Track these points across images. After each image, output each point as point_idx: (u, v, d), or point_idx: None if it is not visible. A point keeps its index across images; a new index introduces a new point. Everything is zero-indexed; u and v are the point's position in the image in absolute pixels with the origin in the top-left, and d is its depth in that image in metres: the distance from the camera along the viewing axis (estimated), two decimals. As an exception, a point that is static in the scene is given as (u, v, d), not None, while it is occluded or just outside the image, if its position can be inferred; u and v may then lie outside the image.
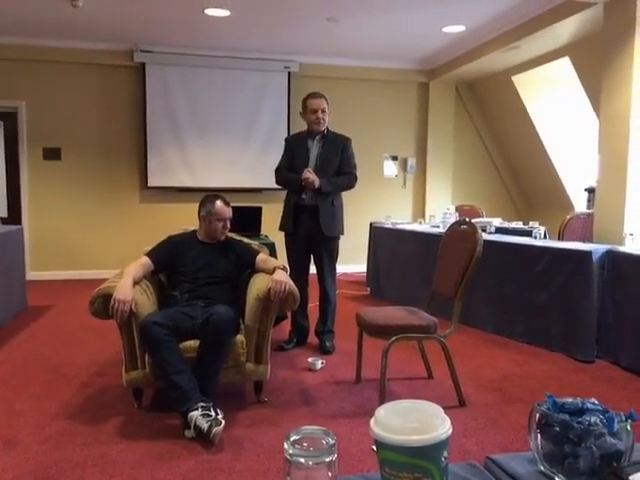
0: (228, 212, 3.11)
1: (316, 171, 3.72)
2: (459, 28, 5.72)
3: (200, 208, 3.13)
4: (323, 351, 3.80)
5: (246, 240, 3.43)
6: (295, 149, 3.89)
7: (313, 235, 3.81)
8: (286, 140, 4.10)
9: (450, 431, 0.77)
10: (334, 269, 3.93)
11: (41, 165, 6.58)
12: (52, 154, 6.58)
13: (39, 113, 6.50)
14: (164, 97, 6.66)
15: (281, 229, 3.95)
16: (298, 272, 3.80)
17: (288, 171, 3.86)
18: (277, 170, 3.96)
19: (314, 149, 3.84)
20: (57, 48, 6.36)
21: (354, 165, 3.89)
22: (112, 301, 2.62)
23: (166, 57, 6.59)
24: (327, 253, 3.85)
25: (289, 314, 3.83)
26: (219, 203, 3.09)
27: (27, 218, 6.57)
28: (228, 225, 3.13)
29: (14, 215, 6.41)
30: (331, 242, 3.85)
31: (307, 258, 3.92)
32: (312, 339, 3.98)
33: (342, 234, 3.91)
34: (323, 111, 3.78)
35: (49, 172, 6.61)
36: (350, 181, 3.87)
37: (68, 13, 5.27)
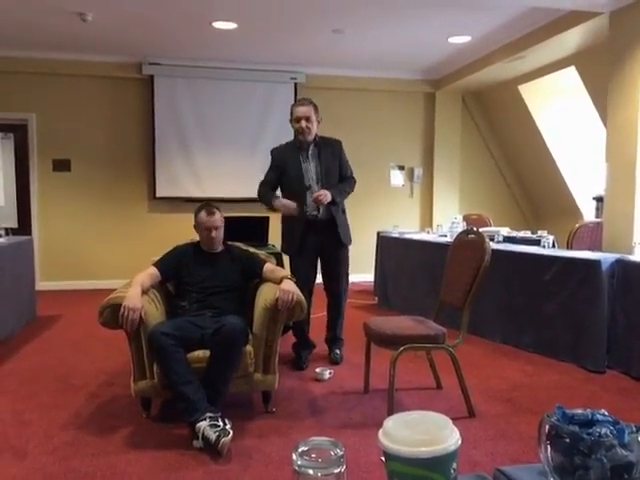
0: (213, 221, 3.06)
1: (321, 183, 3.60)
2: (465, 38, 5.74)
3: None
4: (332, 360, 3.76)
5: (252, 250, 3.44)
6: (286, 165, 3.65)
7: (328, 247, 3.71)
8: (272, 153, 3.78)
9: (459, 442, 0.77)
10: (349, 277, 3.87)
11: (51, 176, 6.65)
12: (62, 165, 6.65)
13: (49, 125, 6.58)
14: (172, 109, 6.72)
15: (285, 252, 3.80)
16: (304, 285, 3.66)
17: (275, 187, 3.70)
18: (260, 184, 3.71)
19: (310, 163, 3.64)
20: (67, 61, 6.45)
21: (350, 167, 3.81)
22: (122, 309, 2.64)
23: (174, 69, 6.66)
24: (344, 262, 3.78)
25: (296, 335, 3.79)
26: (202, 213, 3.09)
27: (37, 229, 6.63)
28: (215, 234, 3.07)
29: (24, 226, 6.46)
30: (347, 250, 3.79)
31: (315, 270, 3.81)
32: (320, 350, 3.96)
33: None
34: (308, 119, 3.54)
35: (59, 183, 6.67)
36: (353, 185, 3.81)
37: (78, 27, 5.35)
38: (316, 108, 3.62)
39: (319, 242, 3.67)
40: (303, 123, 3.54)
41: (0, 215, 5.98)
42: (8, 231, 5.12)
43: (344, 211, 3.77)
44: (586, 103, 5.76)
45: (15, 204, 6.31)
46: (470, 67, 6.52)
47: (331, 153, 3.69)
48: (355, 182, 3.84)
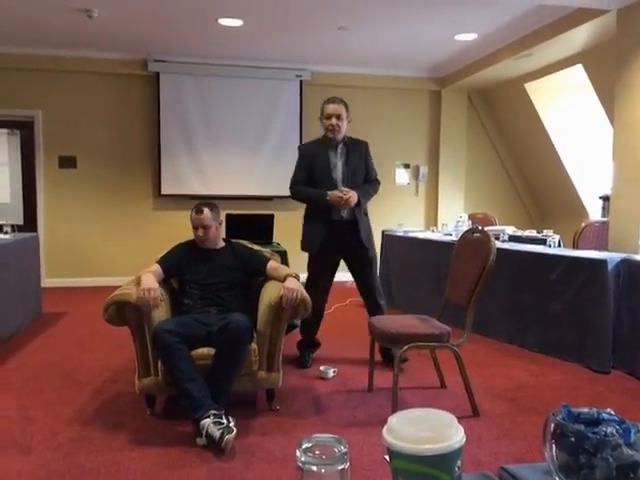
0: (200, 219, 3.06)
1: (346, 184, 3.52)
2: (471, 36, 5.72)
3: None
4: (386, 361, 3.63)
5: (257, 247, 3.44)
6: (315, 161, 3.58)
7: (353, 251, 3.62)
8: (300, 149, 3.78)
9: (464, 440, 0.76)
10: (379, 280, 3.80)
11: (57, 173, 6.67)
12: (68, 162, 6.67)
13: (55, 122, 6.60)
14: (177, 106, 6.73)
15: (305, 250, 3.70)
16: (321, 288, 3.64)
17: (307, 185, 3.59)
18: (294, 184, 3.65)
19: (338, 160, 3.57)
20: (73, 58, 6.46)
21: (375, 169, 3.74)
22: (140, 292, 2.68)
23: (180, 66, 6.66)
24: (373, 265, 3.69)
25: (303, 334, 3.76)
26: (192, 212, 3.10)
27: (43, 226, 6.66)
28: (202, 232, 3.07)
29: (30, 223, 6.49)
30: (372, 253, 3.69)
31: (332, 272, 3.71)
32: (324, 348, 3.94)
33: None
34: (338, 117, 3.49)
35: (64, 180, 6.69)
36: (377, 188, 3.74)
37: (84, 23, 5.36)
38: (347, 107, 3.57)
39: (341, 244, 3.60)
40: (333, 120, 3.49)
41: (6, 212, 6.01)
42: (14, 228, 5.14)
43: (366, 213, 3.69)
44: (593, 101, 5.72)
45: (21, 201, 6.33)
46: (476, 65, 6.49)
47: (358, 154, 3.63)
48: (379, 185, 3.78)
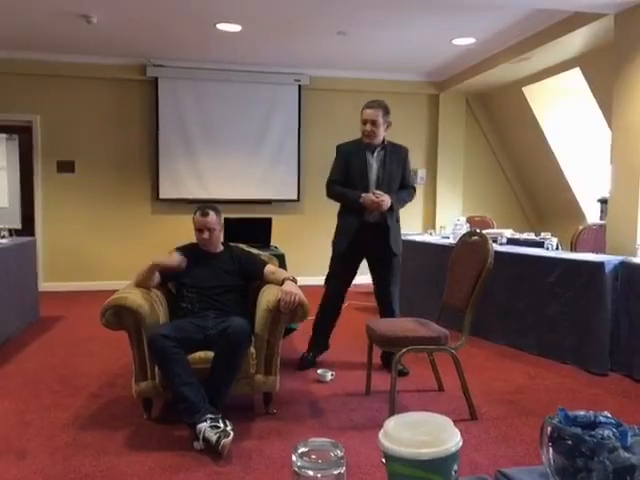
0: (206, 222, 3.07)
1: (380, 187, 3.47)
2: (469, 40, 5.73)
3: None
4: (387, 366, 3.51)
5: (255, 251, 3.43)
6: (351, 161, 3.54)
7: (378, 254, 3.59)
8: (338, 149, 3.68)
9: (460, 444, 0.76)
10: (398, 287, 3.72)
11: (55, 178, 6.67)
12: (66, 167, 6.67)
13: (53, 127, 6.60)
14: (176, 111, 6.73)
15: (333, 245, 3.71)
16: (340, 285, 3.64)
17: (343, 185, 3.55)
18: (329, 183, 3.62)
19: (375, 162, 3.52)
20: (71, 63, 6.46)
21: (412, 177, 3.71)
22: (152, 266, 2.91)
23: (178, 71, 6.67)
24: (395, 271, 3.64)
25: (315, 332, 3.73)
26: (197, 214, 3.11)
27: (40, 230, 6.65)
28: (207, 235, 3.08)
29: (28, 227, 6.46)
30: (397, 259, 3.64)
31: (353, 273, 3.69)
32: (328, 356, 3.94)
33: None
34: (374, 123, 3.43)
35: (63, 185, 6.69)
36: (412, 196, 3.70)
37: (82, 29, 5.37)
38: (386, 111, 3.50)
39: (368, 245, 3.57)
40: (368, 126, 3.44)
41: (4, 216, 5.99)
42: (12, 232, 5.13)
43: (398, 219, 3.66)
44: (591, 105, 5.74)
45: (19, 205, 6.31)
46: (474, 69, 6.51)
47: (397, 159, 3.58)
48: (415, 192, 3.74)
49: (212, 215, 3.09)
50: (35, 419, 2.83)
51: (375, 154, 3.54)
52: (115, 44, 6.01)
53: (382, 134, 3.51)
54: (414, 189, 3.74)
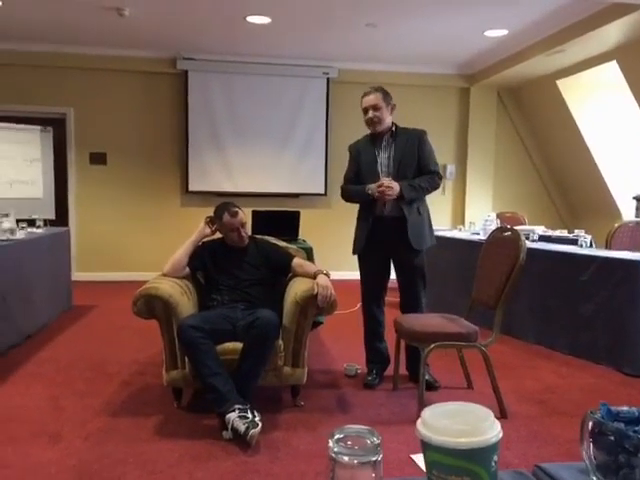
0: (237, 221, 3.07)
1: (393, 177, 3.18)
2: (502, 32, 5.62)
3: (215, 220, 3.16)
4: (413, 377, 3.30)
5: (283, 244, 3.44)
6: (361, 157, 3.33)
7: (398, 251, 3.28)
8: (349, 149, 3.48)
9: (500, 435, 0.75)
10: (426, 288, 3.38)
11: (88, 169, 6.81)
12: (98, 159, 6.80)
13: (86, 119, 6.73)
14: (205, 103, 6.79)
15: (354, 252, 3.41)
16: (369, 290, 3.38)
17: (356, 184, 3.31)
18: (343, 184, 3.42)
19: (383, 152, 3.26)
20: (103, 56, 6.57)
21: (435, 161, 3.30)
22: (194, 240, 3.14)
23: (208, 64, 6.72)
24: (419, 270, 3.31)
25: (365, 346, 3.45)
26: (226, 216, 3.08)
27: (74, 221, 6.80)
28: (243, 233, 3.10)
29: (61, 217, 6.62)
30: (420, 256, 3.31)
31: (383, 277, 3.41)
32: (351, 348, 3.94)
33: (434, 243, 3.45)
34: (376, 108, 3.18)
35: (95, 176, 6.82)
36: (435, 181, 3.25)
37: (114, 22, 5.45)
38: (385, 94, 3.26)
39: (387, 243, 3.26)
40: (370, 113, 3.20)
41: (38, 207, 6.13)
42: (46, 222, 5.26)
43: (420, 211, 3.28)
44: (627, 99, 5.57)
45: (53, 196, 6.46)
46: (506, 61, 6.38)
47: (410, 144, 3.23)
48: (439, 178, 3.28)
49: (240, 212, 3.12)
50: (68, 405, 2.90)
51: (384, 143, 3.27)
52: (146, 37, 6.09)
53: (387, 118, 3.25)
54: (438, 174, 3.27)
